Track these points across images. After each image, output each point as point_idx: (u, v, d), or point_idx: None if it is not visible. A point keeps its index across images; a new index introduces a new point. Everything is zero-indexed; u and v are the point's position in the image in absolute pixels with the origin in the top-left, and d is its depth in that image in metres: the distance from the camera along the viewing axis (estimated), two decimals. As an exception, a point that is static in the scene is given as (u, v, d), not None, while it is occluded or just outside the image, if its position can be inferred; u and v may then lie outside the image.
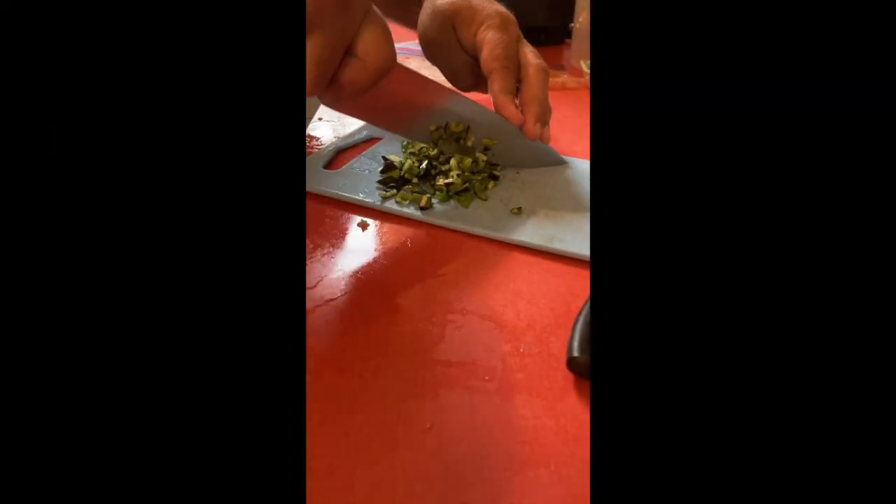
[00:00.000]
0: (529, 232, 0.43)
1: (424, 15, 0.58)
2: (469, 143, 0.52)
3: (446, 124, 0.52)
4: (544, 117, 0.52)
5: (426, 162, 0.51)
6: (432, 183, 0.49)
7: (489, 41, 0.52)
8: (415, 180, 0.50)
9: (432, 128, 0.52)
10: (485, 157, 0.52)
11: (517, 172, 0.53)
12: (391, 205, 0.47)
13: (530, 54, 0.53)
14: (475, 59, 0.55)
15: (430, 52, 0.58)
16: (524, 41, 0.55)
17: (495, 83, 0.51)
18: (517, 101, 0.52)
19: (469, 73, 0.57)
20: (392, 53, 0.36)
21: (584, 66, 0.80)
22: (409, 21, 0.67)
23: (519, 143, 0.52)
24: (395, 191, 0.48)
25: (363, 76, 0.36)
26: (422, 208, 0.46)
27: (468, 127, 0.53)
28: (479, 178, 0.50)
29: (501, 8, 0.55)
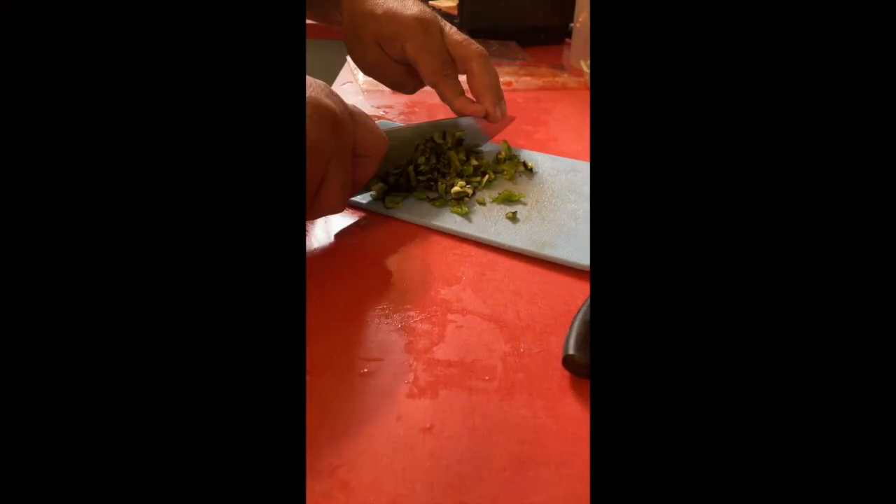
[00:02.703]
0: (522, 237, 0.43)
1: (347, 39, 0.58)
2: (451, 149, 0.54)
3: (431, 138, 0.53)
4: (498, 98, 0.55)
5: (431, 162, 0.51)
6: (425, 187, 0.49)
7: (420, 58, 0.53)
8: (421, 176, 0.50)
9: (420, 145, 0.52)
10: (476, 162, 0.53)
11: (519, 175, 0.53)
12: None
13: (461, 44, 0.54)
14: (408, 65, 0.56)
15: (366, 70, 0.59)
16: (447, 30, 0.55)
17: (446, 93, 0.54)
18: (470, 96, 0.55)
19: (410, 80, 0.58)
20: (383, 135, 0.40)
21: (584, 66, 0.80)
22: (332, 22, 0.67)
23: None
24: (381, 189, 0.48)
25: (371, 168, 0.40)
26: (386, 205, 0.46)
27: (459, 139, 0.54)
28: (477, 180, 0.50)
29: (419, 10, 0.55)
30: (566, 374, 0.32)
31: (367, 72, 0.60)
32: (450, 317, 0.36)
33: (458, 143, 0.54)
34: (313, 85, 0.36)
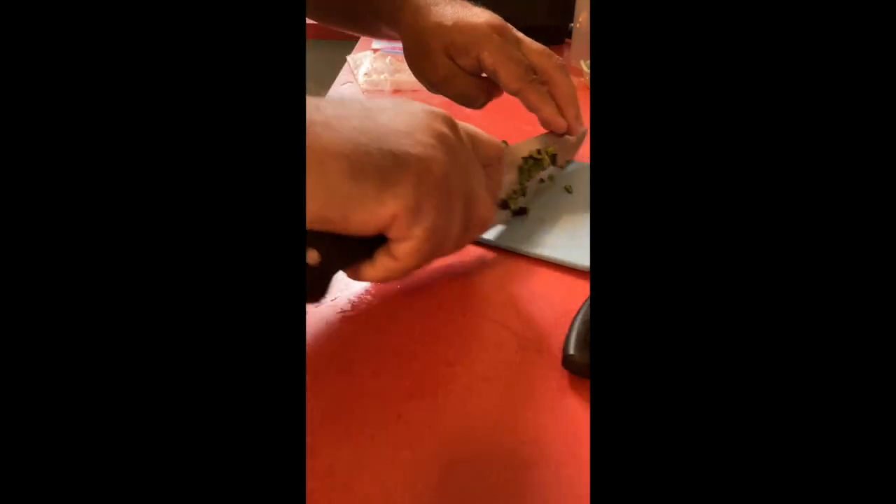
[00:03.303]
0: (520, 237, 0.43)
1: (413, 56, 0.54)
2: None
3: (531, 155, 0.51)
4: (579, 113, 0.52)
5: None
6: None
7: (502, 64, 0.50)
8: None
9: None
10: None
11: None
12: None
13: (541, 53, 0.51)
14: (481, 77, 0.53)
15: (434, 87, 0.56)
16: (521, 37, 0.53)
17: (534, 99, 0.50)
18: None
19: (481, 93, 0.54)
20: (495, 139, 0.41)
21: (584, 66, 0.80)
22: (363, 27, 0.63)
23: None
24: None
25: (499, 175, 0.42)
26: None
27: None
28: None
29: (489, 16, 0.52)
30: (566, 374, 0.32)
31: (434, 88, 0.55)
32: (450, 317, 0.36)
33: (553, 158, 0.51)
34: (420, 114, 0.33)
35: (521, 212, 0.46)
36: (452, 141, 0.33)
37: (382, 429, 0.28)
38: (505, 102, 0.76)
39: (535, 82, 0.50)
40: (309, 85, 0.37)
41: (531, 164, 0.49)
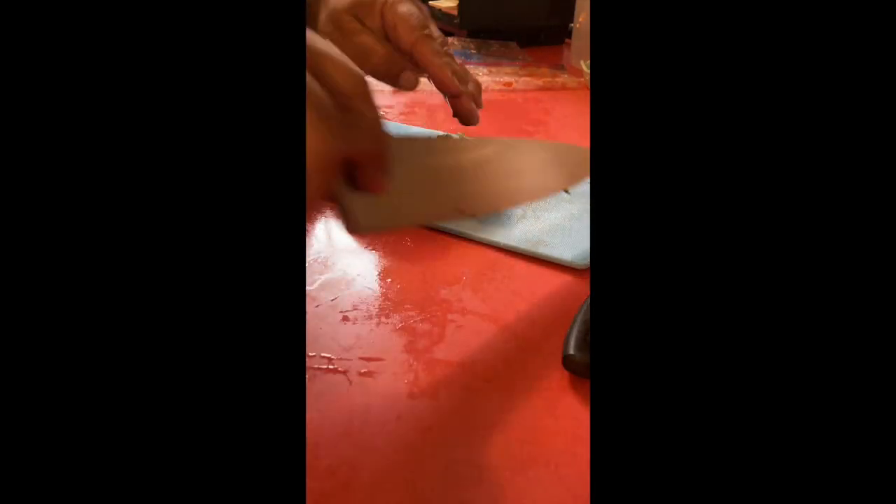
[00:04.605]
0: (517, 236, 0.43)
1: (323, 19, 0.52)
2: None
3: None
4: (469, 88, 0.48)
5: None
6: None
7: (401, 15, 0.48)
8: None
9: None
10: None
11: None
12: None
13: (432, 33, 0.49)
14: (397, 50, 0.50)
15: (358, 65, 0.52)
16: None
17: (426, 51, 0.47)
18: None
19: (380, 48, 0.50)
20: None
21: (584, 66, 0.80)
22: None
23: None
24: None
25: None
26: None
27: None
28: None
29: None
30: (566, 374, 0.32)
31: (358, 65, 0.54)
32: (450, 317, 0.36)
33: None
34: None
35: None
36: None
37: (382, 429, 0.28)
38: (506, 102, 0.76)
39: (429, 37, 0.48)
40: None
41: None
